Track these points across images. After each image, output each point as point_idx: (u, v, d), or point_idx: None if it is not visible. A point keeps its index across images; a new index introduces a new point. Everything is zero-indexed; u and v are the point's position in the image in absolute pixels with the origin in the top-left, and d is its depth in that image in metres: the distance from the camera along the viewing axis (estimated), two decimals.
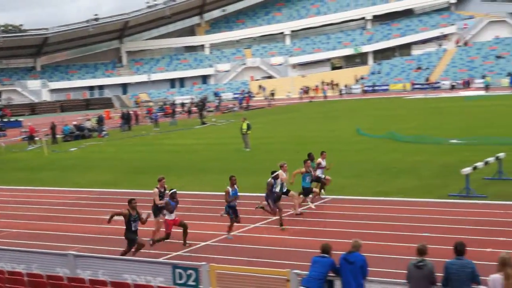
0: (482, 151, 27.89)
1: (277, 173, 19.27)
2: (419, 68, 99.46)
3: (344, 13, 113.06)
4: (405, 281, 10.48)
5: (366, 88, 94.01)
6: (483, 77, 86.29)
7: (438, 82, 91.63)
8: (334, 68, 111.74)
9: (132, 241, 16.18)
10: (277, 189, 19.03)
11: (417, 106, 63.36)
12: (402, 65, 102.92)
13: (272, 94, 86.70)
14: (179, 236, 17.62)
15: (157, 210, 18.18)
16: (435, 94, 79.67)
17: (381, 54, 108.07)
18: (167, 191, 18.17)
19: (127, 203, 16.46)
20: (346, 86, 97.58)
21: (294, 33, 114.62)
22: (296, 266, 12.95)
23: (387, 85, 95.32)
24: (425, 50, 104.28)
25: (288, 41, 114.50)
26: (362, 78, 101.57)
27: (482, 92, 75.43)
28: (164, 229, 17.53)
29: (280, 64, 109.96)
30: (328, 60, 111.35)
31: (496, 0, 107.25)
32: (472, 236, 15.79)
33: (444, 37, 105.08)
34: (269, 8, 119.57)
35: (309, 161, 21.20)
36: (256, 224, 19.50)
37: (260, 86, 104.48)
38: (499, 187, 22.07)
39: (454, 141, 34.48)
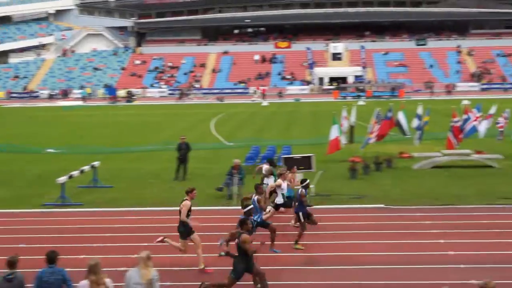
0: (79, 160, 28.29)
1: (307, 181, 16.75)
2: (16, 76, 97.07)
3: None
4: None
5: None
6: (82, 87, 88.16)
7: (37, 92, 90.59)
8: None
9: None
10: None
11: (14, 115, 62.01)
12: None
13: None
14: None
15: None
16: (33, 103, 79.00)
17: None
18: None
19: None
20: None
21: None
22: None
23: None
24: (23, 59, 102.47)
25: None
26: None
27: (80, 102, 77.50)
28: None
29: None
30: None
31: (94, 14, 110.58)
32: (68, 244, 15.73)
33: (43, 46, 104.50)
34: None
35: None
36: None
37: None
38: (95, 195, 22.52)
39: (51, 150, 34.48)
